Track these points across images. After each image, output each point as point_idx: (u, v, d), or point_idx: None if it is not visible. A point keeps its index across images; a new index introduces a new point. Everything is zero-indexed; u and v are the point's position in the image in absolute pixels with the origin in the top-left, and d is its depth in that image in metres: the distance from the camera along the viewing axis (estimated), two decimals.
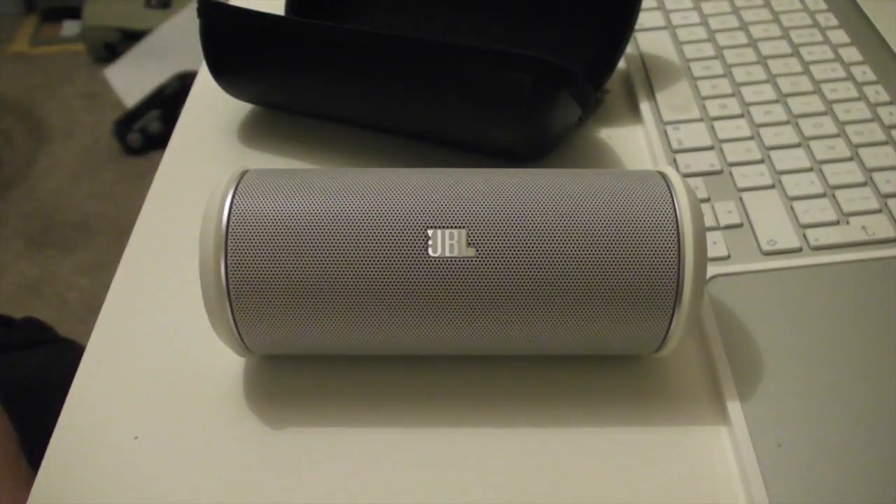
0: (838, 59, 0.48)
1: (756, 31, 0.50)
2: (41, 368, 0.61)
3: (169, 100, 1.68)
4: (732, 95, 0.46)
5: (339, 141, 0.47)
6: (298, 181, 0.31)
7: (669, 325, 0.31)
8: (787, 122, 0.44)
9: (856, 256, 0.37)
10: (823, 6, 0.51)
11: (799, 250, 0.38)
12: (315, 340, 0.32)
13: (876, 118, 0.44)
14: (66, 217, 1.56)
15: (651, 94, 0.47)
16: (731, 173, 0.42)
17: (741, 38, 0.50)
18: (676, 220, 0.30)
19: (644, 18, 0.52)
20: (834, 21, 0.50)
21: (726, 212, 0.40)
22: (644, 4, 0.52)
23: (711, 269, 0.37)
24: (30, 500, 0.31)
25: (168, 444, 0.33)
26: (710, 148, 0.43)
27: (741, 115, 0.45)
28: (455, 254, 0.30)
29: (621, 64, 0.49)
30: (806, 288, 0.36)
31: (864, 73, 0.46)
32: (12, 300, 1.39)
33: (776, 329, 0.35)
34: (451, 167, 0.33)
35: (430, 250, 0.30)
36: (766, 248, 0.38)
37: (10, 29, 2.07)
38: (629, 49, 0.50)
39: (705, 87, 0.47)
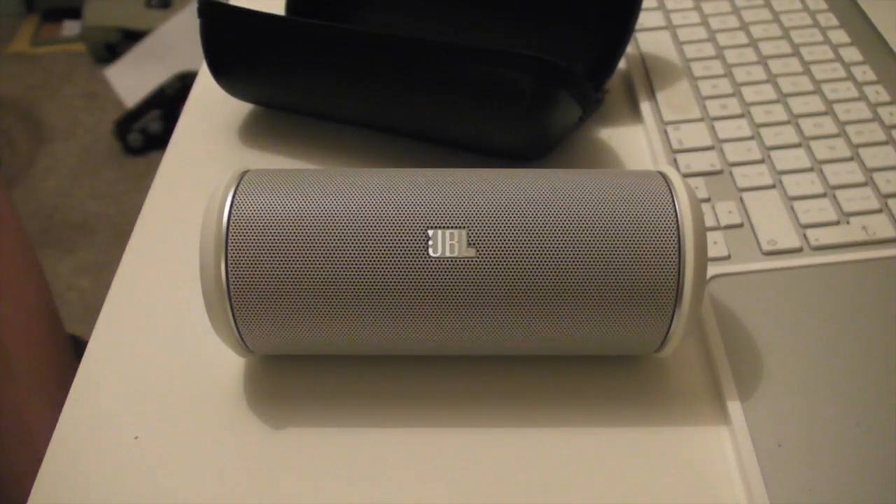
0: (838, 59, 0.48)
1: (756, 31, 0.50)
2: None
3: (169, 100, 1.68)
4: (733, 95, 0.46)
5: (339, 141, 0.47)
6: (299, 181, 0.31)
7: (669, 325, 0.31)
8: (788, 122, 0.44)
9: (856, 256, 0.37)
10: (823, 6, 0.51)
11: (799, 250, 0.38)
12: (315, 340, 0.32)
13: (876, 118, 0.44)
14: (66, 217, 1.56)
15: (651, 94, 0.47)
16: (731, 173, 0.42)
17: (741, 38, 0.50)
18: (677, 220, 0.30)
19: (644, 18, 0.52)
20: (834, 21, 0.50)
21: (726, 212, 0.40)
22: (644, 4, 0.52)
23: (711, 269, 0.37)
24: (30, 501, 0.32)
25: (168, 444, 0.33)
26: (711, 148, 0.43)
27: (741, 115, 0.45)
28: (455, 254, 0.30)
29: (621, 64, 0.49)
30: (806, 288, 0.36)
31: (865, 73, 0.46)
32: None
33: (776, 329, 0.35)
34: (451, 167, 0.33)
35: (430, 250, 0.30)
36: (766, 248, 0.38)
37: (10, 29, 2.07)
38: (629, 49, 0.50)
39: (705, 87, 0.47)
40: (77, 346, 0.65)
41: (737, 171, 0.42)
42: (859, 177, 0.41)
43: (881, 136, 0.43)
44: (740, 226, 0.39)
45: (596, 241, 0.30)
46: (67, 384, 0.34)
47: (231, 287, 0.30)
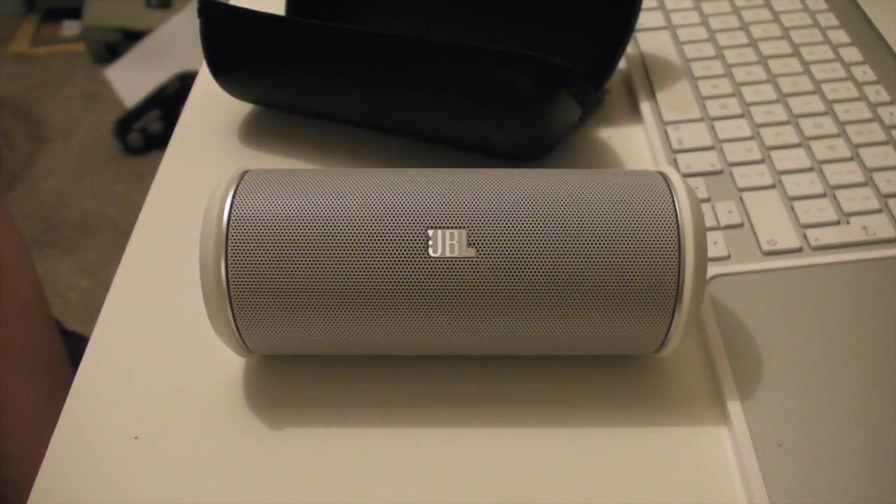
0: (838, 59, 0.48)
1: (756, 31, 0.50)
2: None
3: (169, 100, 1.68)
4: (733, 95, 0.46)
5: (339, 141, 0.47)
6: (298, 181, 0.31)
7: (670, 325, 0.31)
8: (788, 122, 0.44)
9: (856, 256, 0.37)
10: (823, 6, 0.51)
11: (799, 250, 0.38)
12: (315, 340, 0.32)
13: (876, 118, 0.44)
14: (66, 217, 1.56)
15: (651, 94, 0.47)
16: (731, 173, 0.42)
17: (741, 38, 0.50)
18: (677, 220, 0.30)
19: (644, 18, 0.52)
20: (834, 21, 0.50)
21: (726, 212, 0.40)
22: (644, 4, 0.52)
23: (711, 269, 0.37)
24: (30, 501, 0.32)
25: (168, 444, 0.33)
26: (711, 148, 0.43)
27: (741, 115, 0.45)
28: (455, 254, 0.30)
29: (621, 64, 0.49)
30: (806, 288, 0.36)
31: (865, 73, 0.46)
32: None
33: (776, 329, 0.35)
34: (451, 167, 0.33)
35: (430, 250, 0.30)
36: (766, 248, 0.38)
37: (10, 29, 2.07)
38: (629, 49, 0.50)
39: (706, 87, 0.47)
40: (78, 345, 0.65)
41: (737, 171, 0.42)
42: (859, 177, 0.41)
43: (881, 136, 0.43)
44: (740, 226, 0.39)
45: (596, 241, 0.30)
46: (58, 372, 0.35)
47: (231, 287, 0.30)
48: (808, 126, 0.44)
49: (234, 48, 0.44)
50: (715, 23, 0.51)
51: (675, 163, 0.43)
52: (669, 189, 0.31)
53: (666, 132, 0.44)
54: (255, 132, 0.48)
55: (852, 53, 0.48)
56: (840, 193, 0.40)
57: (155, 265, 0.40)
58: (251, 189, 0.31)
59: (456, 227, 0.30)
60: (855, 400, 0.32)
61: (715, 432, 0.33)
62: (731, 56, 0.49)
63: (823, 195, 0.40)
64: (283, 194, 0.31)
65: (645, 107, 0.46)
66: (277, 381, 0.35)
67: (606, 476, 0.32)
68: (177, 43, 1.81)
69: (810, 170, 0.41)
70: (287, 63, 0.43)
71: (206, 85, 0.50)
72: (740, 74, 0.47)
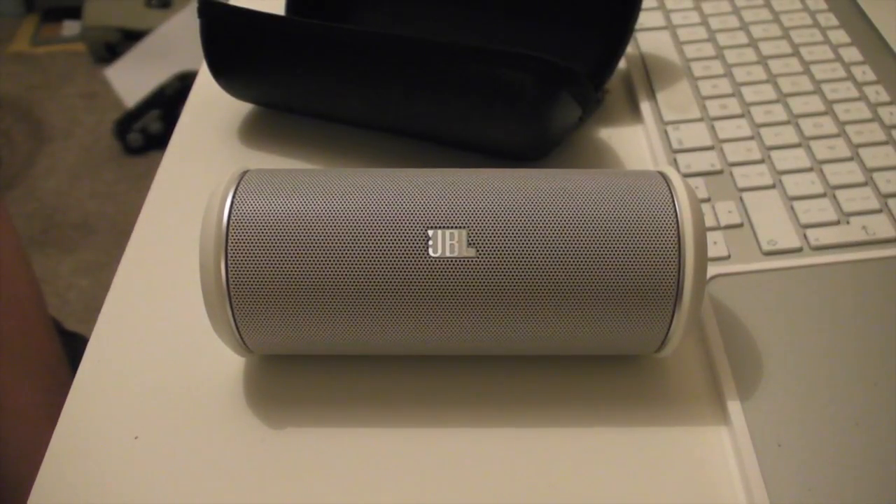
0: (838, 59, 0.48)
1: (756, 31, 0.50)
2: None
3: (169, 100, 1.68)
4: (733, 95, 0.46)
5: (339, 141, 0.47)
6: (298, 181, 0.31)
7: (669, 325, 0.31)
8: (788, 122, 0.44)
9: (856, 256, 0.37)
10: (823, 6, 0.51)
11: (799, 250, 0.38)
12: (315, 340, 0.32)
13: (876, 118, 0.44)
14: (66, 217, 1.56)
15: (651, 94, 0.47)
16: (731, 173, 0.42)
17: (741, 38, 0.50)
18: (677, 220, 0.30)
19: (644, 18, 0.52)
20: (834, 21, 0.50)
21: (726, 212, 0.40)
22: (644, 4, 0.52)
23: (711, 269, 0.37)
24: (30, 501, 0.32)
25: (168, 444, 0.33)
26: (711, 148, 0.43)
27: (741, 115, 0.45)
28: (455, 254, 0.30)
29: (621, 64, 0.49)
30: (806, 288, 0.36)
31: (864, 73, 0.46)
32: None
33: (776, 329, 0.35)
34: (451, 167, 0.33)
35: (430, 250, 0.30)
36: (766, 248, 0.38)
37: (10, 29, 2.08)
38: (629, 49, 0.50)
39: (705, 87, 0.47)
40: (77, 345, 0.66)
41: (737, 171, 0.42)
42: (859, 177, 0.41)
43: (881, 136, 0.43)
44: (740, 226, 0.39)
45: (596, 240, 0.30)
46: (56, 372, 0.35)
47: (231, 287, 0.30)
48: (808, 126, 0.44)
49: (234, 48, 0.44)
50: (715, 23, 0.51)
51: (675, 163, 0.43)
52: (669, 189, 0.31)
53: (666, 132, 0.44)
54: (255, 132, 0.48)
55: (852, 53, 0.48)
56: (840, 193, 0.40)
57: (155, 265, 0.40)
58: (251, 189, 0.31)
59: (456, 227, 0.30)
60: (855, 400, 0.32)
61: (715, 432, 0.33)
62: (730, 56, 0.49)
63: (823, 195, 0.40)
64: (283, 194, 0.31)
65: (645, 107, 0.46)
66: (277, 381, 0.35)
67: (606, 476, 0.32)
68: (177, 43, 1.81)
69: (810, 170, 0.41)
70: (287, 63, 0.43)
71: (206, 85, 0.50)
72: (740, 74, 0.47)
